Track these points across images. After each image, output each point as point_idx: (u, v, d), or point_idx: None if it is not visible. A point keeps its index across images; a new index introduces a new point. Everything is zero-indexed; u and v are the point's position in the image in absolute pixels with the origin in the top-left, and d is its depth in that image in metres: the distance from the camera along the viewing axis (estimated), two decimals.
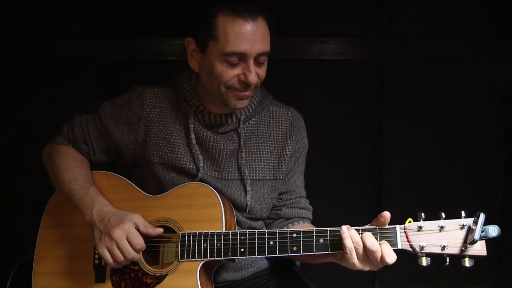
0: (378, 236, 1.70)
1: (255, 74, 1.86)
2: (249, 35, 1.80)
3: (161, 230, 1.88)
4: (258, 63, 1.88)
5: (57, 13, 2.79)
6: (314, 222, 2.18)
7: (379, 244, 1.66)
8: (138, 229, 1.85)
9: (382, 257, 1.65)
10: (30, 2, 2.77)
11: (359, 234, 1.69)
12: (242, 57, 1.83)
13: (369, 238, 1.66)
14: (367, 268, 1.70)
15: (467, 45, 2.82)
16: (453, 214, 1.69)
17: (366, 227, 1.73)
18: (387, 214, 1.69)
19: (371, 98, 2.92)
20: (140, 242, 1.83)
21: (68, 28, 2.81)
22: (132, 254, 1.82)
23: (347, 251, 1.67)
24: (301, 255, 1.77)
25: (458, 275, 3.05)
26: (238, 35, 1.80)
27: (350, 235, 1.68)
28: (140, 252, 1.86)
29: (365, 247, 1.66)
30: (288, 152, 2.11)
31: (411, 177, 2.98)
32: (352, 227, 1.71)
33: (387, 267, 3.01)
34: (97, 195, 1.97)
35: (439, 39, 2.83)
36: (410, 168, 2.97)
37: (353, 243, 1.67)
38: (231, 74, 1.86)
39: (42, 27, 2.79)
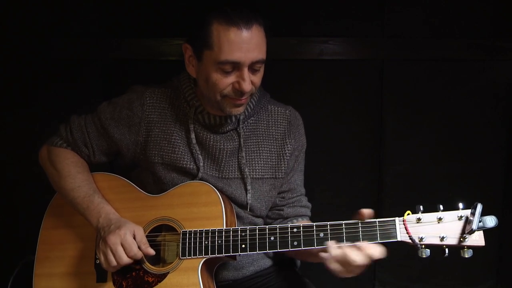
0: (377, 228, 1.73)
1: (249, 82, 1.86)
2: (243, 43, 1.80)
3: (153, 251, 1.88)
4: (253, 70, 1.88)
5: (57, 13, 2.78)
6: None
7: (361, 248, 1.69)
8: (134, 238, 1.86)
9: (371, 258, 1.68)
10: (30, 2, 2.77)
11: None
12: (236, 65, 1.83)
13: (353, 255, 1.67)
14: (360, 271, 1.72)
15: (467, 45, 2.82)
16: (451, 208, 1.71)
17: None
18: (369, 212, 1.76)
19: (371, 98, 2.93)
20: (133, 249, 1.83)
21: (68, 28, 2.81)
22: (124, 260, 1.82)
23: (337, 272, 1.71)
24: (302, 249, 1.78)
25: (458, 275, 3.06)
26: (231, 43, 1.79)
27: (334, 258, 1.70)
28: (141, 255, 1.87)
29: (353, 264, 1.67)
30: (287, 151, 2.12)
31: (411, 177, 2.99)
32: (336, 244, 1.73)
33: (387, 268, 3.04)
34: (103, 203, 1.98)
35: (439, 39, 2.83)
36: (410, 168, 2.98)
37: (339, 264, 1.70)
38: (225, 82, 1.86)
39: (42, 27, 2.79)
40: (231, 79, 1.86)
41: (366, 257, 1.67)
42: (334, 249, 1.71)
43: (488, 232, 1.65)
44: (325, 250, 1.73)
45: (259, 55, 1.85)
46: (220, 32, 1.80)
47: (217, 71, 1.84)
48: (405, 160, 2.97)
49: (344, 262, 1.69)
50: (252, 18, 1.81)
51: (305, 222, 2.16)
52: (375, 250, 1.69)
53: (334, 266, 1.70)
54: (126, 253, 1.82)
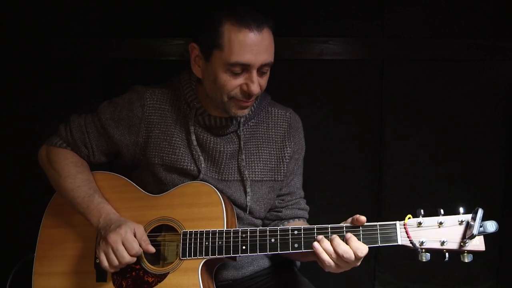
0: (378, 232, 1.73)
1: (258, 84, 1.87)
2: (254, 45, 1.80)
3: (153, 249, 1.88)
4: (260, 73, 1.88)
5: (57, 13, 2.78)
6: (314, 222, 2.18)
7: (348, 239, 1.72)
8: (135, 237, 1.86)
9: (355, 255, 1.70)
10: (30, 2, 2.76)
11: (343, 235, 1.74)
12: (246, 67, 1.83)
13: (341, 246, 1.70)
14: (348, 268, 1.75)
15: (467, 45, 2.83)
16: (451, 212, 1.71)
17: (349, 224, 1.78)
18: (363, 219, 1.75)
19: (371, 98, 2.93)
20: (134, 247, 1.82)
21: (68, 28, 2.81)
22: (126, 258, 1.82)
23: (326, 264, 1.72)
24: (302, 252, 1.78)
25: (458, 275, 3.06)
26: (243, 45, 1.79)
27: (324, 248, 1.73)
28: (141, 252, 1.87)
29: (338, 255, 1.70)
30: (287, 154, 2.12)
31: (411, 177, 2.99)
32: (324, 237, 1.76)
33: (387, 268, 3.04)
34: (103, 202, 1.98)
35: (439, 39, 2.83)
36: (410, 168, 2.98)
37: (328, 254, 1.72)
38: (234, 83, 1.86)
39: (42, 27, 2.78)
40: (240, 80, 1.86)
41: (351, 251, 1.69)
42: (324, 240, 1.74)
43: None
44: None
45: (268, 58, 1.85)
46: (231, 33, 1.80)
47: (226, 72, 1.84)
48: (405, 160, 2.97)
49: (332, 253, 1.71)
50: (263, 21, 1.82)
51: (301, 223, 2.17)
52: (361, 245, 1.71)
53: (324, 257, 1.71)
54: (127, 251, 1.82)
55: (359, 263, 1.74)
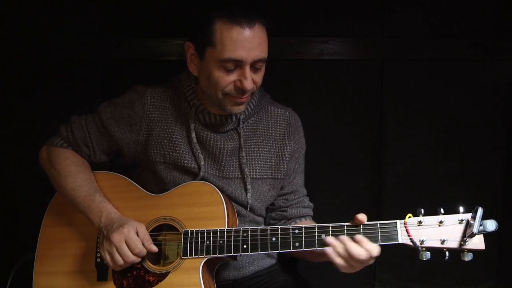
0: (379, 231, 1.73)
1: (251, 80, 1.87)
2: (246, 42, 1.81)
3: (156, 248, 1.88)
4: (254, 69, 1.89)
5: (57, 13, 2.79)
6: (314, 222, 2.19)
7: (359, 241, 1.72)
8: (137, 235, 1.86)
9: (370, 256, 1.70)
10: (30, 2, 2.77)
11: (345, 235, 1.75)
12: (238, 63, 1.84)
13: (354, 249, 1.71)
14: (362, 267, 1.76)
15: (467, 45, 2.83)
16: (451, 211, 1.71)
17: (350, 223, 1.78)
18: (362, 217, 1.76)
19: (371, 98, 2.93)
20: (138, 246, 1.83)
21: (68, 28, 2.81)
22: (131, 258, 1.83)
23: (341, 267, 1.73)
24: (303, 250, 1.78)
25: (458, 275, 3.06)
26: (234, 41, 1.80)
27: (338, 253, 1.73)
28: (145, 252, 1.87)
29: (353, 258, 1.70)
30: (287, 153, 2.12)
31: (411, 177, 2.99)
32: (339, 237, 1.75)
33: (387, 268, 3.04)
34: (104, 201, 1.98)
35: (439, 39, 2.84)
36: (410, 168, 2.98)
37: (342, 258, 1.72)
38: (227, 80, 1.86)
39: (43, 27, 2.79)
40: (233, 77, 1.87)
41: (366, 252, 1.69)
42: (337, 244, 1.73)
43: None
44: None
45: (261, 54, 1.86)
46: (223, 30, 1.81)
47: (219, 69, 1.85)
48: (405, 160, 2.98)
49: (346, 256, 1.71)
50: (255, 17, 1.83)
51: (308, 221, 2.17)
52: (373, 245, 1.71)
53: (338, 261, 1.72)
54: (131, 250, 1.82)
55: (373, 261, 1.74)
